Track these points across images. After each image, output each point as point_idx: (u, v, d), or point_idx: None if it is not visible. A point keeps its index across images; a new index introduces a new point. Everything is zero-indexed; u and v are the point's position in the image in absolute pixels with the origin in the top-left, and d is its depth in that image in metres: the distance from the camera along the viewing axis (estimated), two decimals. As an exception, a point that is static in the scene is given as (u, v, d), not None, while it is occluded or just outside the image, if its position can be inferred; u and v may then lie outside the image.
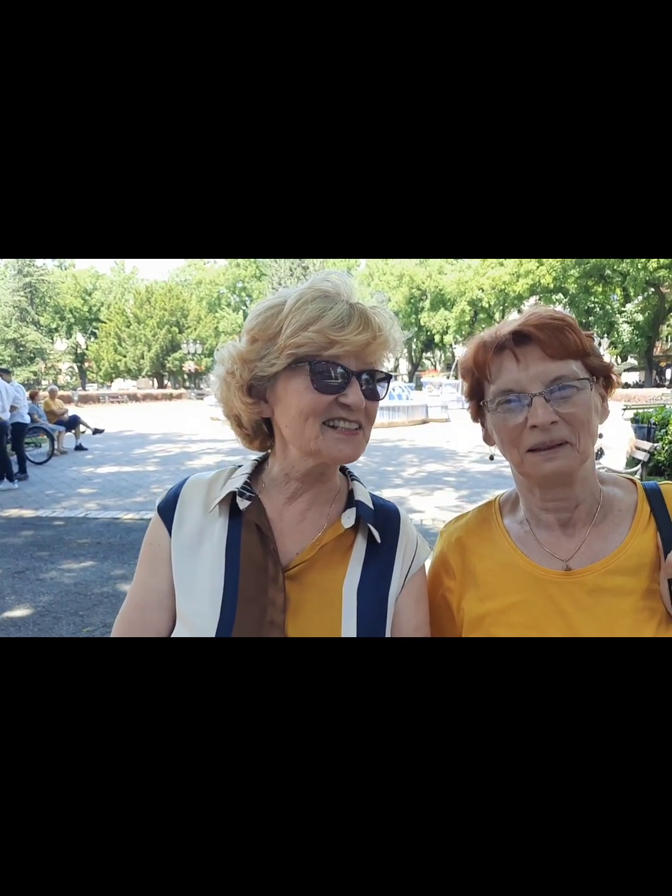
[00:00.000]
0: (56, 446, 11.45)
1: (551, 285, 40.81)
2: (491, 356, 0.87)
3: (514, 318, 0.88)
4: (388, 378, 0.84)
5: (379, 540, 0.86)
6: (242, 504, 0.83)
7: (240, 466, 0.92)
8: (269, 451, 0.91)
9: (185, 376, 46.27)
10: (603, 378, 0.88)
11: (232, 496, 0.85)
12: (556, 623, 0.86)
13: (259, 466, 0.92)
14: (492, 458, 0.96)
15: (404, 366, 66.26)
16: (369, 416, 0.83)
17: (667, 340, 48.50)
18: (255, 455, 0.94)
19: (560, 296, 44.87)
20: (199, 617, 0.80)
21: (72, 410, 13.78)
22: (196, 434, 15.96)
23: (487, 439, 0.93)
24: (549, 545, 0.91)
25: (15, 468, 9.18)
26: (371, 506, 0.89)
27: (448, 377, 28.22)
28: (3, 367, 9.41)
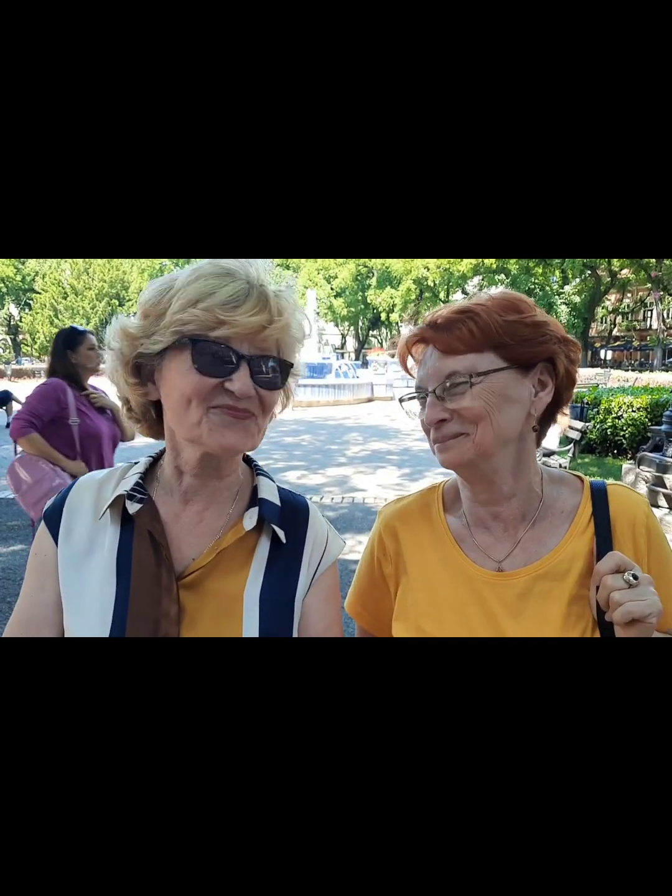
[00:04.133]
0: (-15, 424, 10.93)
1: (494, 266, 41.48)
2: (406, 354, 0.89)
3: (429, 314, 0.86)
4: (287, 366, 0.77)
5: (283, 540, 0.81)
6: (132, 508, 0.77)
7: (136, 463, 0.85)
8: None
9: (127, 351, 44.69)
10: (543, 363, 0.84)
11: (122, 499, 0.78)
12: (485, 624, 0.85)
13: (154, 463, 0.85)
14: None
15: (351, 343, 66.23)
16: (265, 406, 0.76)
17: (601, 322, 50.31)
18: (154, 449, 0.87)
19: (502, 276, 45.70)
20: (88, 635, 0.74)
21: (3, 385, 13.14)
22: (137, 411, 15.48)
23: None
24: (485, 544, 0.89)
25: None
26: (277, 503, 0.84)
27: (393, 356, 28.32)
28: None
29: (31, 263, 56.16)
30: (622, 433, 8.54)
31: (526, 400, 0.83)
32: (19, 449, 3.10)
